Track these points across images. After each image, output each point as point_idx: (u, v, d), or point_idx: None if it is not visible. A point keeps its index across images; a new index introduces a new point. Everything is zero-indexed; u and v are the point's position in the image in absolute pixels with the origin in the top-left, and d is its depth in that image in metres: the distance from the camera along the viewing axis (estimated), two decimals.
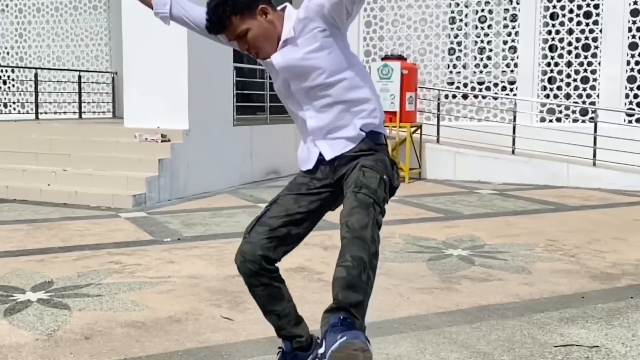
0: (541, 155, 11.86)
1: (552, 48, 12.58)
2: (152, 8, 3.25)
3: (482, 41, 13.03)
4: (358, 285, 2.61)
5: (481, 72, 13.08)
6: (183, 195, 9.94)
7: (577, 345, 4.23)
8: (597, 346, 4.22)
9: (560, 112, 12.60)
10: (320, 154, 2.95)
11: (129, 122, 10.53)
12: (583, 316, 4.80)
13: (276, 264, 3.07)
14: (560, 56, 12.54)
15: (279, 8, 2.94)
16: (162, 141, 9.98)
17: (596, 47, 12.31)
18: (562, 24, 12.49)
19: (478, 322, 4.64)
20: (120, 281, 5.59)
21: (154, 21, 9.76)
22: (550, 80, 12.65)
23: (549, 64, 12.64)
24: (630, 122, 12.08)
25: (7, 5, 16.77)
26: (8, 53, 16.88)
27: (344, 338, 2.42)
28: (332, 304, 2.62)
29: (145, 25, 10.14)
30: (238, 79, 11.99)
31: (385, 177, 2.79)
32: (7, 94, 16.87)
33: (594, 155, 11.62)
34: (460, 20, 13.18)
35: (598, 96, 12.31)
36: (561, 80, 12.58)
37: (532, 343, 4.27)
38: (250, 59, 13.03)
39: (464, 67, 13.19)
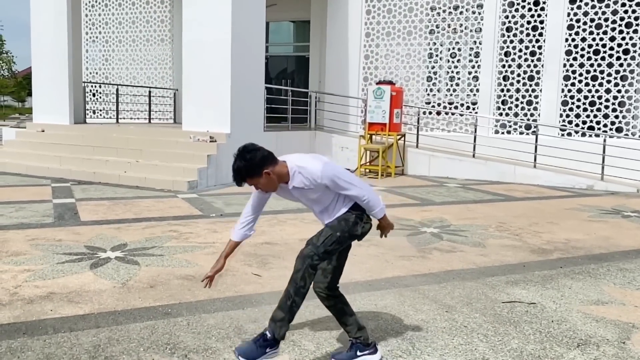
0: (494, 159, 11.77)
1: (505, 78, 12.45)
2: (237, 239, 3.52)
3: (452, 71, 12.90)
4: (283, 308, 3.01)
5: (451, 95, 12.96)
6: (225, 183, 9.91)
7: (519, 302, 4.21)
8: (534, 303, 4.19)
9: (510, 126, 12.47)
10: None
11: (186, 126, 10.50)
12: (524, 280, 4.77)
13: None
14: (511, 84, 12.40)
15: (280, 158, 3.07)
16: (210, 141, 9.95)
17: (539, 78, 12.18)
18: (513, 60, 12.35)
19: (444, 283, 4.62)
20: (177, 245, 5.59)
21: (206, 52, 9.71)
22: (503, 102, 12.52)
23: (502, 90, 12.50)
24: (562, 135, 11.96)
25: (96, 37, 16.77)
26: (97, 73, 16.89)
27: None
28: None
29: (199, 55, 10.15)
30: (268, 96, 11.95)
31: (338, 233, 3.02)
32: (96, 104, 16.88)
33: (535, 160, 11.52)
34: (436, 55, 13.05)
35: (539, 115, 12.18)
36: (511, 102, 12.45)
37: (485, 299, 4.25)
38: (278, 82, 12.70)
39: (438, 91, 13.08)
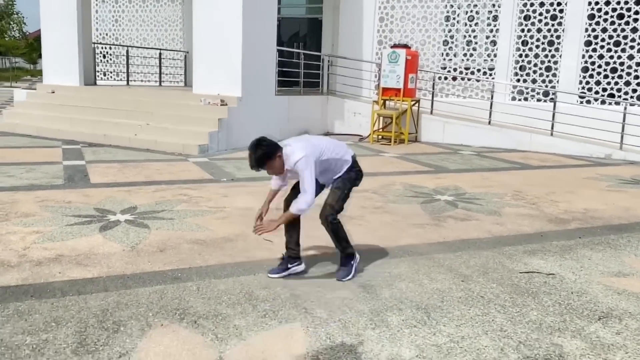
0: (510, 126, 11.51)
1: (524, 43, 12.06)
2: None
3: (469, 35, 12.53)
4: (343, 249, 3.90)
5: (468, 60, 12.61)
6: (236, 147, 9.79)
7: (537, 272, 4.09)
8: (553, 274, 4.08)
9: (528, 93, 12.15)
10: None
11: (197, 89, 10.33)
12: (542, 250, 4.64)
13: None
14: (530, 49, 12.03)
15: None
16: (221, 105, 9.78)
17: (559, 44, 11.79)
18: (533, 24, 11.94)
19: (460, 252, 4.51)
20: (188, 209, 5.51)
21: (217, 13, 9.46)
22: (522, 68, 12.16)
23: (520, 55, 12.13)
24: (581, 102, 11.64)
25: None
26: (107, 34, 16.64)
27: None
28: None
29: (210, 15, 9.90)
30: (280, 59, 11.71)
31: (346, 190, 3.87)
32: (106, 65, 16.69)
33: (552, 127, 11.25)
34: (453, 18, 12.65)
35: (558, 82, 11.84)
36: (529, 68, 12.09)
37: (502, 269, 4.13)
38: (290, 45, 12.35)
39: (455, 55, 12.72)
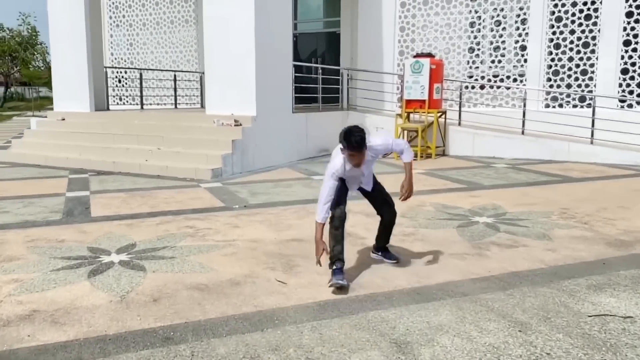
0: (546, 135, 10.68)
1: (556, 46, 11.26)
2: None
3: (497, 41, 11.78)
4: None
5: (496, 67, 11.85)
6: (252, 169, 9.20)
7: (611, 315, 3.31)
8: (631, 317, 3.29)
9: (562, 99, 11.31)
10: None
11: (210, 110, 9.78)
12: (609, 283, 3.85)
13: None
14: (563, 52, 11.22)
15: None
16: (235, 125, 9.21)
17: (594, 45, 10.97)
18: (565, 25, 11.15)
19: (511, 289, 3.75)
20: (192, 244, 4.87)
21: (228, 30, 8.90)
22: (555, 73, 11.34)
23: (553, 59, 11.32)
24: (622, 106, 10.76)
25: (120, 21, 16.20)
26: (122, 58, 16.36)
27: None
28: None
29: (221, 33, 9.38)
30: (297, 74, 11.14)
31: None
32: (122, 90, 16.38)
33: (592, 135, 10.39)
34: (479, 24, 11.94)
35: (595, 85, 10.99)
36: (564, 72, 11.27)
37: (566, 312, 3.37)
38: (309, 60, 11.67)
39: (482, 62, 11.97)
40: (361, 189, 4.12)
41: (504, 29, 11.73)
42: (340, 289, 3.68)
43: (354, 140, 3.57)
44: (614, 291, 3.71)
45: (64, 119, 11.03)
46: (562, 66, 11.28)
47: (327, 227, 3.82)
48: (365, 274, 4.07)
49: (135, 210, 6.25)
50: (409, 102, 10.86)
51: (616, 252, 4.64)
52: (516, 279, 3.96)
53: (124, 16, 16.11)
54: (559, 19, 11.21)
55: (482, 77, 11.96)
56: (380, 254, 4.40)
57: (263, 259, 4.41)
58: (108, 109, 12.65)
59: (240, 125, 9.22)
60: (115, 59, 16.40)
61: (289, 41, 10.23)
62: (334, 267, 3.81)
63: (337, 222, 3.82)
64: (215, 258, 4.46)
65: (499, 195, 7.04)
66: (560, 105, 11.31)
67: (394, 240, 4.93)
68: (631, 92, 10.75)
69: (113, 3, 16.15)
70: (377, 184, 4.17)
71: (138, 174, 8.87)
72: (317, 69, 11.73)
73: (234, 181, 8.25)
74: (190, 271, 4.14)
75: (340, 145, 3.67)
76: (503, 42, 11.77)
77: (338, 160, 3.74)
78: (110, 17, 16.27)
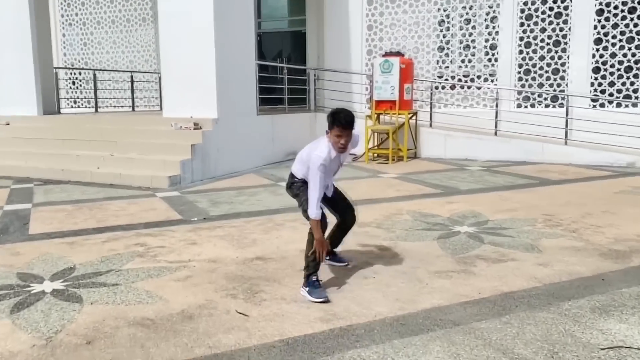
0: (519, 136, 10.36)
1: (527, 44, 10.97)
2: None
3: (466, 40, 11.43)
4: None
5: (466, 66, 11.50)
6: (214, 176, 8.57)
7: (625, 347, 2.85)
8: None
9: (534, 99, 11.03)
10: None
11: (167, 112, 9.11)
12: (614, 305, 3.41)
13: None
14: (535, 51, 10.94)
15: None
16: (194, 129, 8.56)
17: (565, 43, 10.71)
18: (535, 23, 10.87)
19: (507, 315, 3.27)
20: (141, 266, 4.24)
21: (186, 27, 8.22)
22: (526, 72, 11.05)
23: (524, 58, 11.03)
24: (595, 106, 10.54)
25: (73, 20, 15.29)
26: (76, 59, 15.44)
27: None
28: None
29: (180, 30, 8.73)
30: (261, 74, 10.56)
31: None
32: (76, 92, 15.46)
33: (566, 135, 10.13)
34: (448, 22, 11.56)
35: (567, 85, 10.74)
36: (535, 71, 10.99)
37: (574, 344, 2.89)
38: (274, 61, 10.99)
39: (452, 62, 11.60)
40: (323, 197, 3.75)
41: (473, 27, 11.40)
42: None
43: (343, 117, 3.47)
44: (622, 315, 3.26)
45: (8, 124, 10.17)
46: (534, 65, 10.99)
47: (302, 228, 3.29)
48: (338, 298, 3.54)
49: (80, 226, 5.57)
50: (378, 102, 10.39)
51: (613, 265, 4.22)
52: (511, 301, 3.49)
53: (76, 14, 15.21)
54: (529, 17, 10.93)
55: (453, 77, 11.59)
56: (328, 258, 4.11)
57: (222, 284, 3.83)
58: (59, 112, 11.81)
59: (201, 128, 8.58)
60: (69, 59, 15.48)
61: (251, 38, 9.63)
62: (313, 277, 3.58)
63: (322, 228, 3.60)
64: (166, 284, 3.85)
65: (477, 201, 6.61)
66: (533, 105, 11.03)
67: (371, 256, 4.42)
68: (603, 92, 10.54)
69: (65, 0, 15.23)
70: (336, 188, 4.02)
71: (89, 182, 8.15)
72: (283, 68, 11.17)
73: (194, 189, 7.62)
74: (135, 302, 3.52)
75: (326, 129, 3.53)
76: (473, 40, 11.43)
77: (324, 146, 3.51)
78: (62, 16, 15.34)
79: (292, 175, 3.83)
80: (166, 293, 3.66)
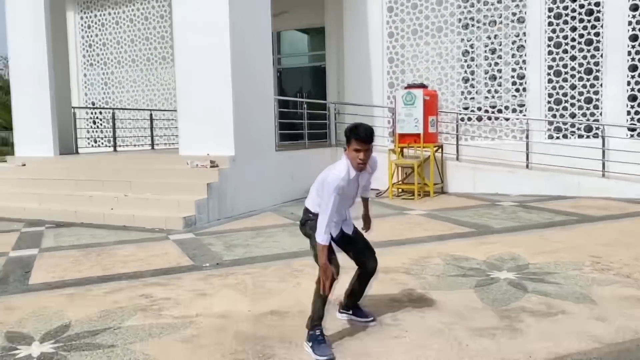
0: (553, 169, 9.78)
1: (557, 73, 10.48)
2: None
3: (492, 70, 11.00)
4: None
5: (492, 97, 11.04)
6: (230, 215, 8.17)
7: None
8: None
9: (567, 129, 10.47)
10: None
11: (183, 150, 8.81)
12: None
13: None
14: (565, 80, 10.44)
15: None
16: (211, 167, 8.22)
17: (598, 71, 10.21)
18: (565, 51, 10.41)
19: None
20: (143, 323, 3.79)
21: (202, 61, 7.91)
22: (557, 102, 10.52)
23: (554, 87, 10.53)
24: (632, 135, 9.94)
25: (94, 60, 15.35)
26: (97, 99, 15.43)
27: None
28: None
29: (196, 65, 8.50)
30: (281, 110, 10.26)
31: None
32: (96, 132, 15.40)
33: (603, 167, 9.51)
34: (472, 52, 11.17)
35: (602, 114, 10.18)
36: (566, 101, 10.47)
37: None
38: (294, 96, 10.56)
39: (477, 93, 11.16)
40: (338, 236, 3.47)
41: (499, 57, 10.98)
42: None
43: (363, 130, 3.21)
44: None
45: (24, 165, 9.99)
46: (565, 94, 10.48)
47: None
48: None
49: (84, 274, 5.18)
50: (402, 136, 9.96)
51: None
52: None
53: (97, 54, 15.27)
54: (557, 45, 10.47)
55: (479, 109, 11.13)
56: (350, 312, 3.71)
57: (231, 346, 3.35)
58: (77, 152, 11.64)
59: (217, 166, 8.23)
60: (89, 98, 15.48)
61: (269, 73, 9.36)
62: (317, 331, 3.23)
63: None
64: (168, 345, 3.39)
65: (514, 241, 6.05)
66: (565, 136, 10.46)
67: (399, 309, 3.91)
68: None
69: (86, 42, 15.33)
70: (355, 227, 3.63)
71: (102, 224, 7.81)
72: (302, 103, 10.86)
73: (209, 230, 7.21)
74: None
75: (345, 147, 3.33)
76: (499, 70, 10.99)
77: (342, 165, 3.27)
78: (84, 56, 15.42)
79: (306, 211, 3.43)
80: (168, 357, 3.20)
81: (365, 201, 3.82)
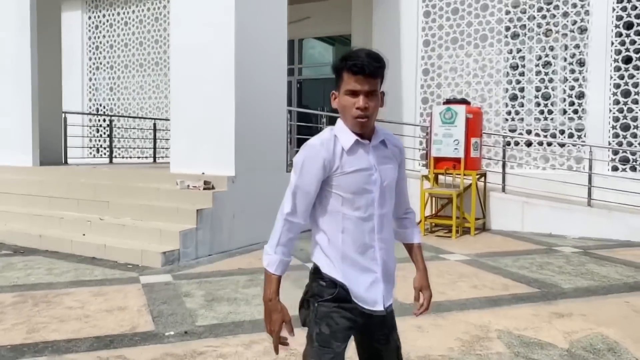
0: (618, 207, 8.05)
1: (625, 93, 8.80)
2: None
3: (545, 87, 9.36)
4: None
5: (545, 118, 9.38)
6: (226, 249, 6.63)
7: None
8: None
9: (635, 160, 8.74)
10: None
11: (175, 167, 7.32)
12: None
13: None
14: (635, 102, 8.75)
15: None
16: (204, 188, 6.71)
17: None
18: (636, 67, 8.73)
19: None
20: None
21: (202, 63, 6.00)
22: (624, 128, 8.82)
23: (621, 110, 8.84)
24: None
25: (100, 63, 14.10)
26: (101, 104, 14.16)
27: None
28: None
29: (193, 67, 7.05)
30: (298, 123, 8.78)
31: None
32: (99, 141, 14.09)
33: None
34: (522, 66, 9.55)
35: None
36: (636, 127, 8.76)
37: None
38: (314, 107, 8.45)
39: (527, 113, 9.51)
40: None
41: (554, 72, 9.32)
42: None
43: (363, 55, 1.88)
44: None
45: None
46: (634, 119, 8.76)
47: None
48: None
49: (0, 339, 3.66)
50: (438, 160, 8.33)
51: None
52: None
53: (104, 57, 14.02)
54: (627, 60, 8.79)
55: (528, 132, 9.45)
56: None
57: None
58: (66, 162, 10.26)
59: (213, 188, 6.72)
60: (94, 104, 14.21)
61: (283, 82, 7.84)
62: None
63: None
64: None
65: (598, 314, 4.36)
66: (634, 169, 8.72)
67: None
68: None
69: (93, 43, 14.11)
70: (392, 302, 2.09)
71: (67, 254, 6.35)
72: (322, 116, 9.35)
73: (193, 271, 5.66)
74: None
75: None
76: (553, 88, 9.33)
77: (324, 131, 2.00)
78: (90, 59, 14.19)
79: (312, 272, 2.03)
80: None
81: (413, 248, 2.22)
